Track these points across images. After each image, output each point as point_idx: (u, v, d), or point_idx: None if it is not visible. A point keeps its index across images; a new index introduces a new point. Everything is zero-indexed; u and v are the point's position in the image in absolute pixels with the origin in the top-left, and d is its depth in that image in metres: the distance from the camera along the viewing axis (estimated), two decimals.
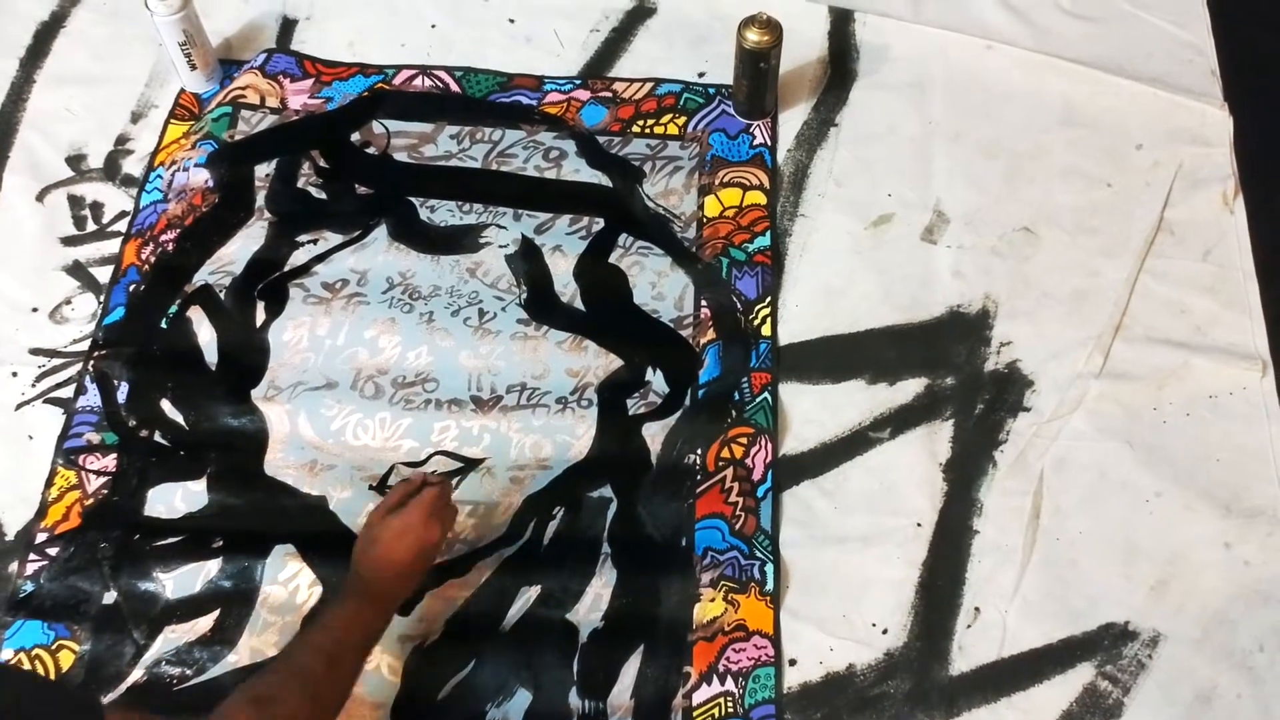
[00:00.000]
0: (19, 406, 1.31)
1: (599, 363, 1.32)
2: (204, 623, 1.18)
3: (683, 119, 1.50)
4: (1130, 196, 1.44)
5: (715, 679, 1.14)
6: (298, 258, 1.40)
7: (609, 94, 1.53)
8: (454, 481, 1.24)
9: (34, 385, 1.32)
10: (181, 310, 1.36)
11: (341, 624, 1.01)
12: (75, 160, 1.49)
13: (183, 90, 1.54)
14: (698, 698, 1.13)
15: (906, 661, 1.16)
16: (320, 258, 1.40)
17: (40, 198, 1.46)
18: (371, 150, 1.49)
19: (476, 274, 1.39)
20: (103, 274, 1.40)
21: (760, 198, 1.43)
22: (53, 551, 1.22)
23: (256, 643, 1.17)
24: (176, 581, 1.20)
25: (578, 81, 1.54)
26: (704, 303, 1.36)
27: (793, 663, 1.16)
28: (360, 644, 1.02)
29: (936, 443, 1.27)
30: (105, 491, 1.25)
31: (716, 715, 1.13)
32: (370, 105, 1.52)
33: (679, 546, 1.21)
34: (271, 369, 1.33)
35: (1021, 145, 1.49)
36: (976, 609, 1.18)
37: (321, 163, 1.48)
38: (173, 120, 1.52)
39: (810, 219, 1.43)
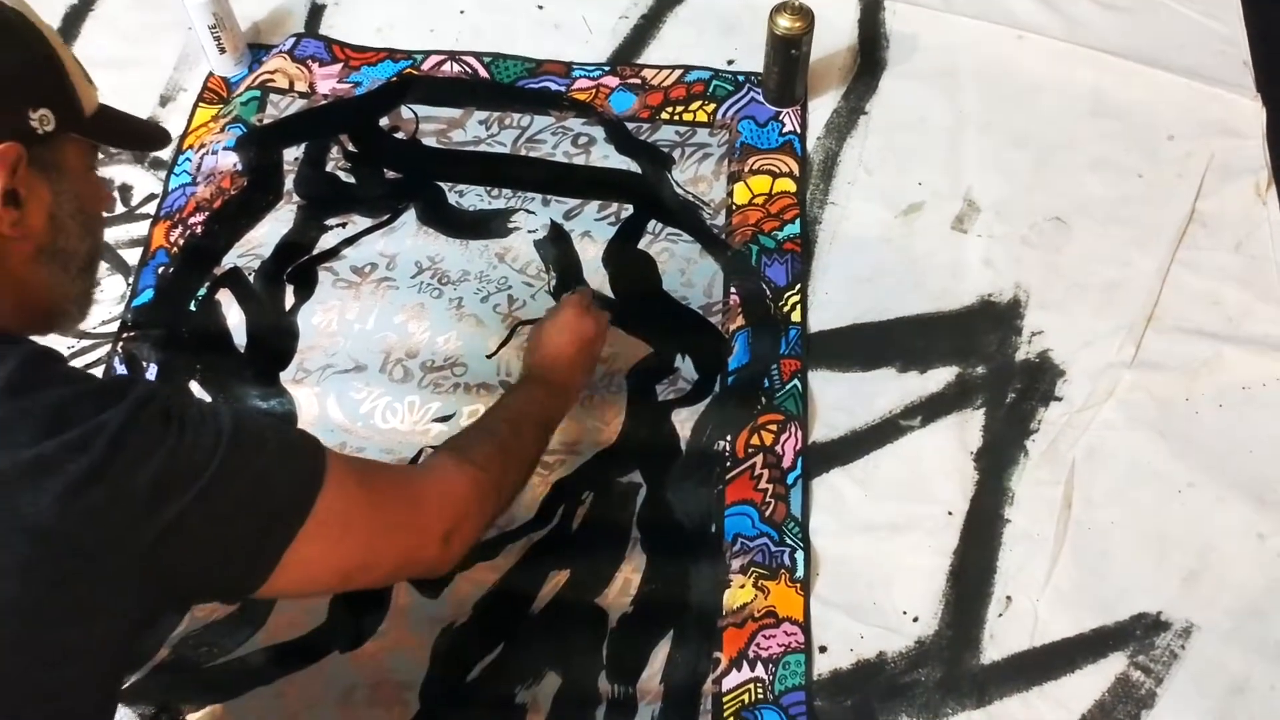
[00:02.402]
0: None
1: (628, 349, 1.32)
2: None
3: (712, 106, 1.50)
4: (1162, 187, 1.43)
5: (745, 665, 1.13)
6: (326, 241, 1.40)
7: (638, 80, 1.52)
8: None
9: None
10: (210, 293, 1.36)
11: (520, 401, 1.10)
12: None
13: (211, 74, 1.55)
14: (727, 683, 1.13)
15: (937, 649, 1.15)
16: (349, 241, 1.40)
17: None
18: (400, 135, 1.49)
19: (505, 259, 1.38)
20: (132, 256, 1.40)
21: (790, 185, 1.43)
22: None
23: (284, 622, 1.17)
24: None
25: (606, 68, 1.54)
26: (733, 290, 1.36)
27: (823, 649, 1.15)
28: (539, 418, 1.10)
29: (967, 431, 1.27)
30: None
31: (746, 701, 1.12)
32: (399, 90, 1.52)
33: (708, 532, 1.21)
34: (300, 352, 1.33)
35: (1052, 135, 1.48)
36: (1008, 598, 1.17)
37: (350, 147, 1.48)
38: (201, 103, 1.52)
39: (840, 207, 1.43)
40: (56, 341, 1.31)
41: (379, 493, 0.86)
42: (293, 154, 1.47)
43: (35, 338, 0.77)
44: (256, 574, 0.77)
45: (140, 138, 0.95)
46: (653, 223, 1.41)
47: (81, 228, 0.81)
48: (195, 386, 1.31)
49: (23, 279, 0.77)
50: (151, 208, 1.44)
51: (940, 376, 1.30)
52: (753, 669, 1.13)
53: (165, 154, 1.48)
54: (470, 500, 0.92)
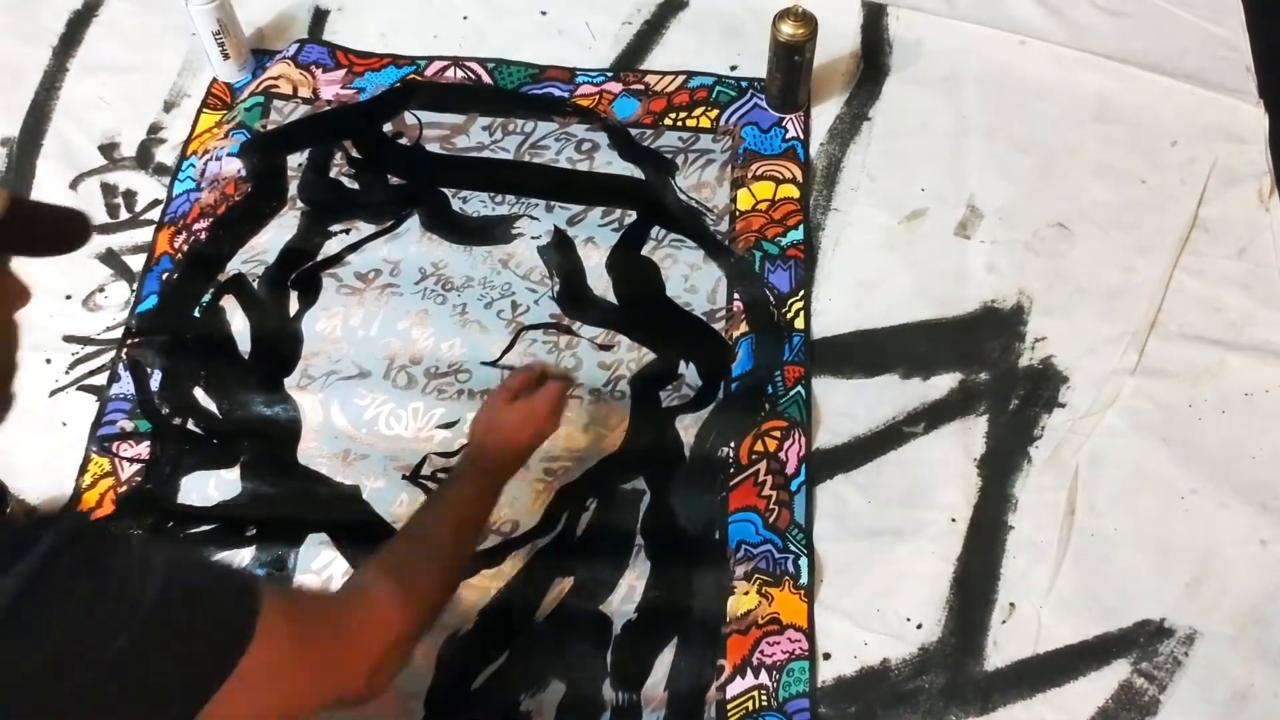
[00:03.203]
0: (53, 393, 1.31)
1: (631, 355, 1.32)
2: None
3: (715, 112, 1.50)
4: (1165, 193, 1.43)
5: (749, 672, 1.14)
6: (330, 247, 1.41)
7: (641, 86, 1.53)
8: None
9: (68, 372, 1.32)
10: (214, 299, 1.37)
11: (462, 501, 1.05)
12: (108, 148, 1.49)
13: (215, 79, 1.55)
14: (732, 690, 1.13)
15: (941, 656, 1.15)
16: (353, 247, 1.40)
17: (74, 185, 1.46)
18: (404, 141, 1.49)
19: (509, 265, 1.39)
20: (136, 262, 1.40)
21: (793, 191, 1.43)
22: None
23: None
24: None
25: (610, 74, 1.54)
26: (736, 296, 1.36)
27: (827, 656, 1.15)
28: (479, 520, 1.06)
29: (971, 438, 1.27)
30: (139, 479, 1.26)
31: (750, 708, 1.12)
32: (403, 96, 1.52)
33: (712, 539, 1.21)
34: (304, 358, 1.33)
35: (1055, 141, 1.48)
36: (1011, 604, 1.18)
37: (354, 153, 1.48)
38: (205, 109, 1.52)
39: (843, 213, 1.43)
40: (62, 348, 1.32)
41: (309, 635, 0.81)
42: (297, 160, 1.47)
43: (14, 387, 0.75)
44: None
45: (52, 239, 0.82)
46: (656, 229, 1.41)
47: None
48: (199, 393, 1.31)
49: None
50: (156, 214, 1.44)
51: (944, 383, 1.30)
52: (757, 676, 1.13)
53: (169, 159, 1.48)
54: (403, 637, 0.89)
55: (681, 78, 1.53)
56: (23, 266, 0.79)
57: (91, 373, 1.33)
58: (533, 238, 1.41)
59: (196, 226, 1.41)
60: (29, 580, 0.64)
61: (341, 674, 0.84)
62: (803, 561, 1.19)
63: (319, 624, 0.84)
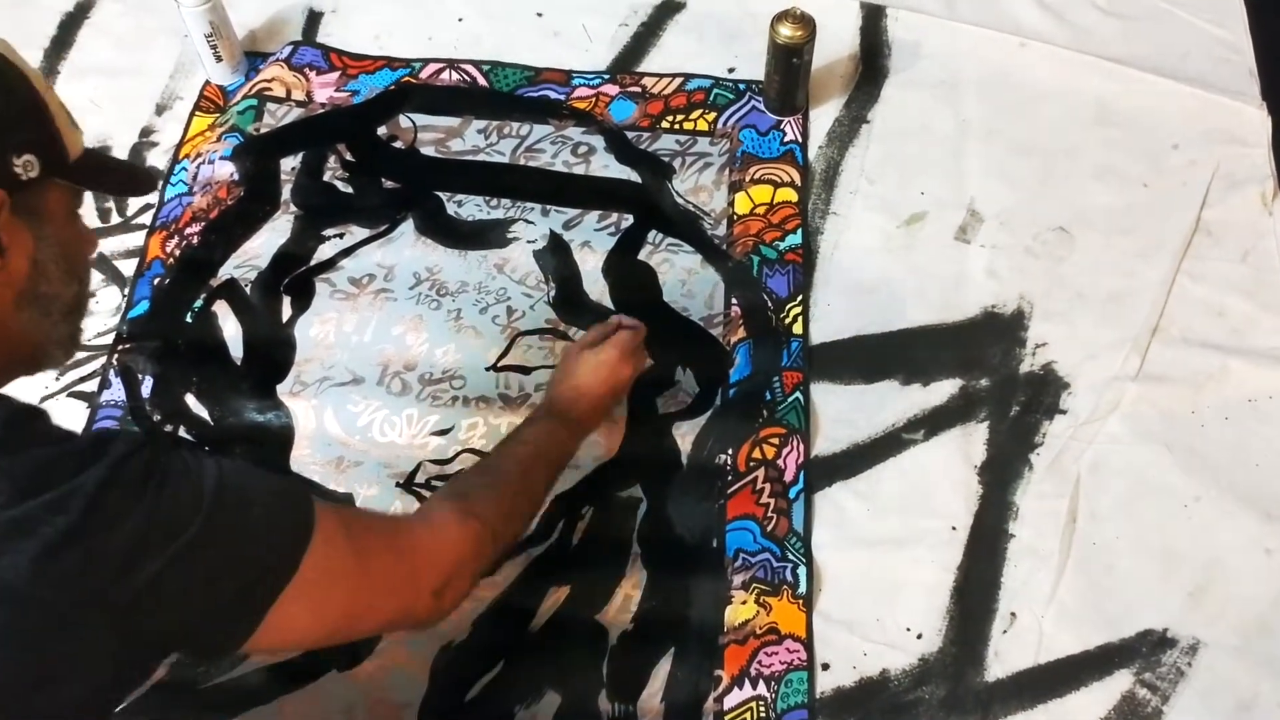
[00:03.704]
0: (43, 400, 1.30)
1: None
2: None
3: (712, 115, 1.49)
4: (1167, 197, 1.42)
5: (747, 683, 1.12)
6: (324, 252, 1.39)
7: (638, 89, 1.51)
8: None
9: (58, 379, 1.31)
10: (207, 304, 1.35)
11: (536, 439, 1.08)
12: (99, 152, 1.47)
13: (208, 82, 1.54)
14: (729, 701, 1.12)
15: (941, 667, 1.14)
16: (346, 252, 1.39)
17: None
18: (398, 144, 1.48)
19: (504, 270, 1.37)
20: (127, 267, 1.39)
21: (791, 195, 1.42)
22: None
23: None
24: None
25: (606, 76, 1.53)
26: (734, 301, 1.35)
27: (825, 667, 1.14)
28: (553, 459, 1.09)
29: (971, 445, 1.25)
30: None
31: None
32: (397, 99, 1.51)
33: (710, 548, 1.20)
34: (297, 364, 1.32)
35: (1056, 144, 1.47)
36: (1012, 614, 1.16)
37: (348, 156, 1.47)
38: (198, 112, 1.51)
39: (842, 217, 1.41)
40: None
41: (368, 548, 0.84)
42: (290, 164, 1.46)
43: (21, 378, 0.79)
44: (237, 635, 0.75)
45: (127, 183, 0.94)
46: (653, 233, 1.40)
47: (65, 273, 0.80)
48: (191, 400, 1.29)
49: (4, 323, 0.76)
50: (147, 218, 1.42)
51: (943, 389, 1.29)
52: (754, 687, 1.12)
53: (161, 163, 1.47)
54: (466, 556, 0.91)
55: (679, 80, 1.52)
56: None
57: (82, 379, 1.31)
58: (528, 242, 1.39)
59: (189, 231, 1.40)
60: (104, 478, 0.68)
61: (403, 589, 0.86)
62: (801, 570, 1.18)
63: (376, 537, 0.86)
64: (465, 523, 0.92)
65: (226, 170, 1.44)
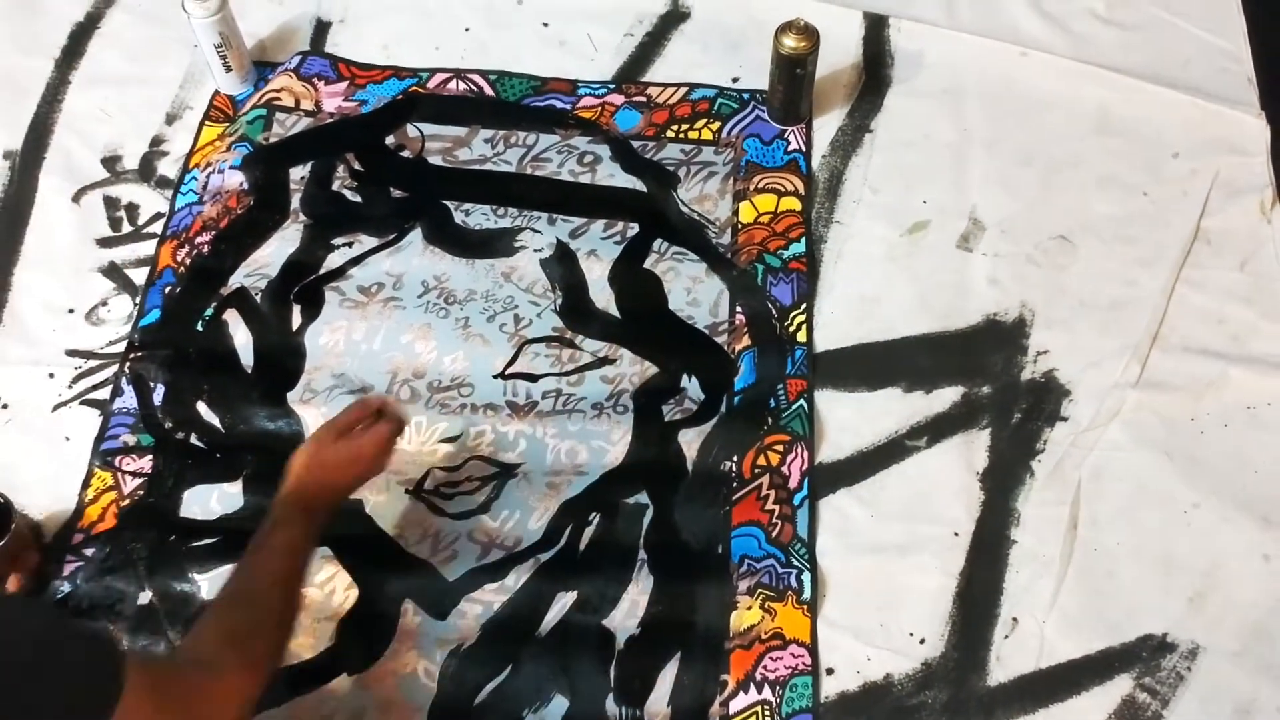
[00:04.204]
0: (56, 408, 1.31)
1: (634, 369, 1.32)
2: None
3: (717, 124, 1.50)
4: (1167, 205, 1.43)
5: (752, 687, 1.13)
6: (333, 260, 1.41)
7: (643, 99, 1.53)
8: (490, 487, 1.25)
9: (70, 386, 1.32)
10: (217, 313, 1.37)
11: (288, 549, 1.01)
12: (110, 161, 1.49)
13: (217, 92, 1.55)
14: (735, 706, 1.13)
15: (944, 671, 1.15)
16: (355, 260, 1.40)
17: (76, 199, 1.46)
18: (406, 154, 1.49)
19: (511, 278, 1.39)
20: (138, 276, 1.40)
21: (795, 204, 1.43)
22: (89, 552, 1.22)
23: (292, 645, 1.16)
24: (212, 582, 1.20)
25: (612, 86, 1.54)
26: (739, 309, 1.36)
27: (830, 672, 1.15)
28: (305, 561, 1.03)
29: (973, 452, 1.27)
30: (141, 493, 1.26)
31: None
32: (405, 108, 1.52)
33: (715, 554, 1.21)
34: (307, 372, 1.33)
35: (1057, 153, 1.48)
36: (1014, 619, 1.18)
37: (356, 166, 1.48)
38: (207, 122, 1.52)
39: (845, 225, 1.43)
40: (65, 362, 1.32)
41: (168, 709, 0.82)
42: (299, 173, 1.47)
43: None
44: None
45: None
46: (658, 241, 1.41)
47: None
48: (202, 407, 1.31)
49: None
50: (158, 227, 1.44)
51: (946, 396, 1.31)
52: (760, 691, 1.13)
53: (172, 172, 1.48)
54: (252, 701, 0.91)
55: (683, 90, 1.53)
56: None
57: (94, 387, 1.32)
58: (535, 250, 1.41)
59: (199, 240, 1.41)
60: None
61: None
62: (805, 576, 1.19)
63: (176, 698, 0.84)
64: (252, 671, 0.91)
65: (236, 179, 1.45)
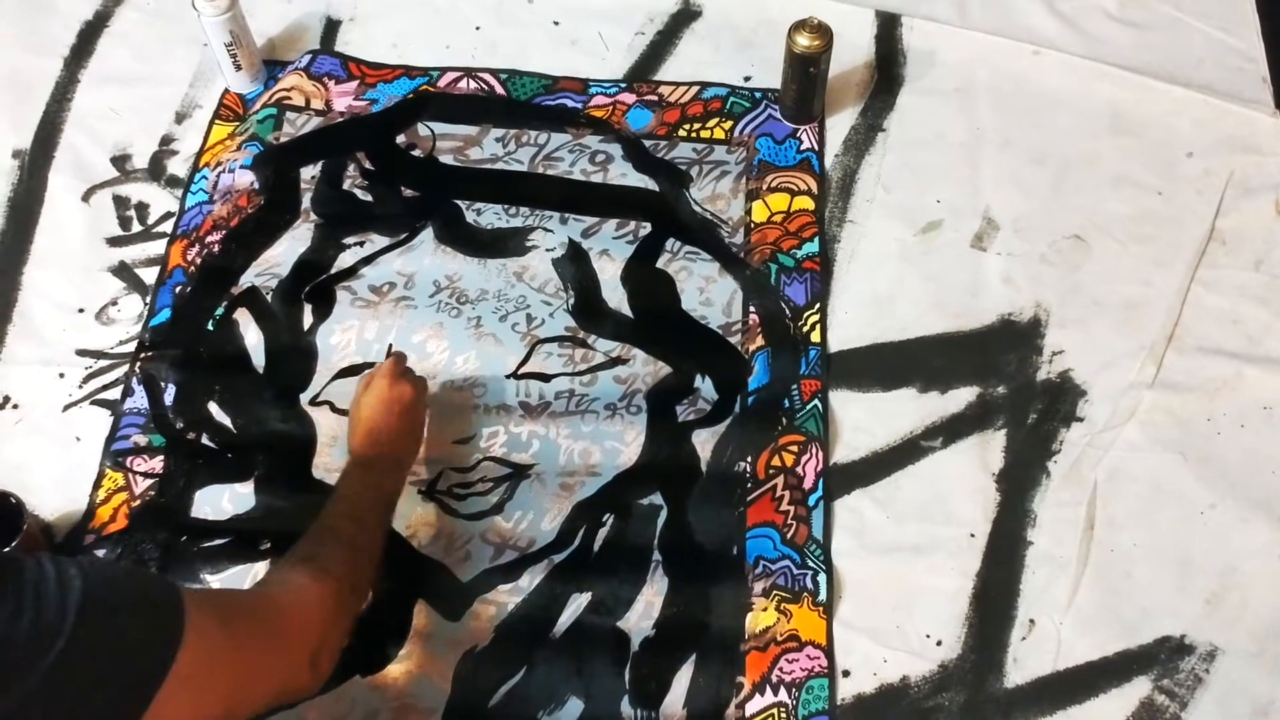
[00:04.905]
0: (66, 408, 1.30)
1: (647, 369, 1.32)
2: None
3: (729, 123, 1.50)
4: (1181, 205, 1.43)
5: (769, 689, 1.13)
6: (344, 260, 1.40)
7: (654, 97, 1.52)
8: (504, 487, 1.24)
9: (81, 386, 1.32)
10: (228, 312, 1.36)
11: (353, 492, 1.08)
12: (120, 160, 1.49)
13: (227, 90, 1.54)
14: (751, 708, 1.12)
15: (961, 673, 1.14)
16: (367, 260, 1.40)
17: (86, 198, 1.46)
18: (417, 153, 1.48)
19: (524, 278, 1.38)
20: (149, 275, 1.40)
21: (808, 203, 1.42)
22: (100, 553, 1.21)
23: None
24: (224, 583, 1.19)
25: (623, 85, 1.54)
26: (752, 309, 1.35)
27: (846, 674, 1.15)
28: (378, 502, 1.10)
29: (989, 452, 1.26)
30: (152, 493, 1.25)
31: None
32: (415, 107, 1.52)
33: (730, 555, 1.20)
34: (319, 372, 1.32)
35: (1070, 152, 1.47)
36: (1031, 621, 1.17)
37: (367, 165, 1.47)
38: (217, 121, 1.52)
39: (859, 225, 1.42)
40: (75, 362, 1.32)
41: (241, 632, 0.83)
42: (310, 172, 1.47)
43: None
44: None
45: None
46: (671, 241, 1.41)
47: None
48: (214, 407, 1.30)
49: None
50: (168, 226, 1.43)
51: (961, 396, 1.30)
52: (776, 694, 1.13)
53: (182, 171, 1.47)
54: (331, 616, 0.92)
55: (695, 89, 1.53)
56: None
57: (105, 387, 1.32)
58: (547, 250, 1.40)
59: (209, 239, 1.41)
60: None
61: (280, 667, 0.87)
62: (821, 578, 1.18)
63: (247, 617, 0.86)
64: (324, 585, 0.93)
65: (247, 179, 1.44)
